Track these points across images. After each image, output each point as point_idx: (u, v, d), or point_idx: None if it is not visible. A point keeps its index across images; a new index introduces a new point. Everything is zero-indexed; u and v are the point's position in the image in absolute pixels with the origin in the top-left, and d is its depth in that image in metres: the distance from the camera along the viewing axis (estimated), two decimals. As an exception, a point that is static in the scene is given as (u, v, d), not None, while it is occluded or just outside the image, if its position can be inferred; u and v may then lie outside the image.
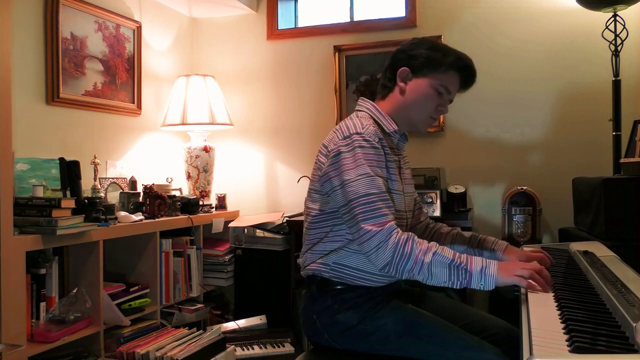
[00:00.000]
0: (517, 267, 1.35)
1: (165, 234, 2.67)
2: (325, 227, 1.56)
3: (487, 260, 1.36)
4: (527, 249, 1.87)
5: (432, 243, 1.40)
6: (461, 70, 1.57)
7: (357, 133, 1.48)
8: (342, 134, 1.51)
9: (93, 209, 2.23)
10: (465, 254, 1.38)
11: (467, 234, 1.76)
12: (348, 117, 1.59)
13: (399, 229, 1.40)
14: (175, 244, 2.76)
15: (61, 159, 2.30)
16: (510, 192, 2.74)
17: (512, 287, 1.36)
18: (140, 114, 3.04)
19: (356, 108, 1.66)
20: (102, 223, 2.25)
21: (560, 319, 1.06)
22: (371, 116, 1.60)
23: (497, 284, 1.33)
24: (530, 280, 1.30)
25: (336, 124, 3.11)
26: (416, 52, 1.58)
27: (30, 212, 2.00)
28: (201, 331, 2.48)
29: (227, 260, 3.03)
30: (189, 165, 3.13)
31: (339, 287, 1.54)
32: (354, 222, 1.42)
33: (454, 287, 1.35)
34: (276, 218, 2.98)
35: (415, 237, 1.39)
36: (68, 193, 2.27)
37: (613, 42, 2.50)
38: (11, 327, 1.84)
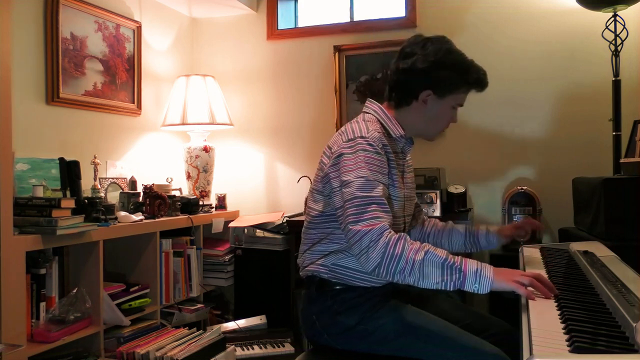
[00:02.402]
0: (516, 273, 1.32)
1: (165, 234, 2.67)
2: (326, 228, 1.55)
3: (483, 263, 1.33)
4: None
5: (424, 243, 1.38)
6: (478, 88, 1.61)
7: (362, 137, 1.48)
8: (346, 136, 1.51)
9: (93, 209, 2.23)
10: (460, 256, 1.35)
11: (460, 226, 1.80)
12: (354, 120, 1.59)
13: (392, 231, 1.37)
14: (175, 244, 2.76)
15: (61, 159, 2.30)
16: (510, 192, 2.74)
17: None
18: (140, 114, 3.04)
19: (363, 110, 1.65)
20: (102, 223, 2.25)
21: (560, 319, 1.06)
22: (378, 119, 1.59)
23: (493, 287, 1.29)
24: (530, 289, 1.26)
25: (336, 124, 3.17)
26: (439, 75, 1.53)
27: (30, 212, 2.00)
28: (201, 331, 2.48)
29: (227, 260, 3.02)
30: (189, 165, 3.13)
31: (337, 287, 1.54)
32: (345, 224, 1.40)
33: (447, 288, 1.31)
34: (276, 218, 2.98)
35: (408, 238, 1.37)
36: (68, 193, 2.27)
37: (613, 42, 2.50)
38: (11, 327, 1.84)
